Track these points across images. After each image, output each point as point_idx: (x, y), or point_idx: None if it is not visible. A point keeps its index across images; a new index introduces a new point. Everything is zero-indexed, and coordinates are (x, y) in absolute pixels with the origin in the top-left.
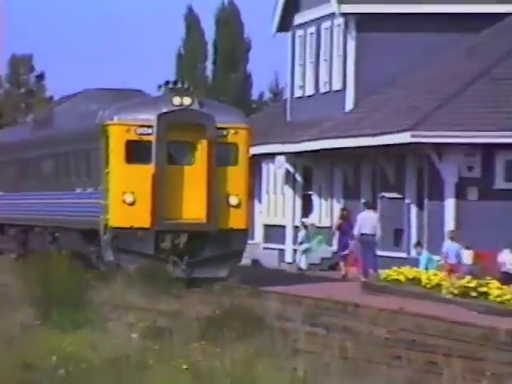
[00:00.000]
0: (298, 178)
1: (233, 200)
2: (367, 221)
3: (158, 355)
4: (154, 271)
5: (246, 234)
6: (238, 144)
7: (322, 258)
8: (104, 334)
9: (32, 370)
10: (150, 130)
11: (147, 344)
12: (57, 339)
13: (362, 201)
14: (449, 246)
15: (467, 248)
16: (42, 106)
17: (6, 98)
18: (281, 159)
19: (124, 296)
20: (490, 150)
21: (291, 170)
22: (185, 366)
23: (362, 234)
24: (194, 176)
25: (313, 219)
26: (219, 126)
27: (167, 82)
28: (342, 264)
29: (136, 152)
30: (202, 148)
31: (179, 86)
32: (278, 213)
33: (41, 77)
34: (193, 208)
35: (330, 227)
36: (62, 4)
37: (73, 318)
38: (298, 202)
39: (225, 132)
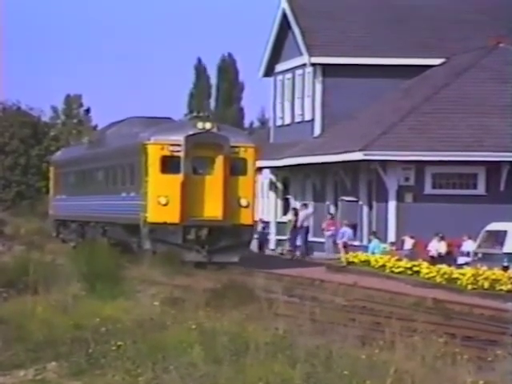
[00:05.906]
0: (279, 185)
1: (243, 202)
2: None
3: (173, 318)
4: (171, 256)
5: (253, 228)
6: (247, 159)
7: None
8: (134, 302)
9: (81, 329)
10: (179, 148)
11: (166, 310)
12: (99, 306)
13: (326, 203)
14: (343, 230)
15: (411, 237)
16: (88, 132)
17: (62, 126)
18: (266, 171)
19: (149, 274)
20: (420, 165)
21: (274, 179)
22: (193, 326)
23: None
24: (213, 183)
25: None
26: (233, 145)
27: (192, 111)
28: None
29: (168, 165)
30: (219, 162)
31: (201, 114)
32: (264, 211)
33: (87, 111)
34: (212, 208)
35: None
36: (102, 58)
37: (111, 290)
38: (279, 203)
39: (237, 150)
